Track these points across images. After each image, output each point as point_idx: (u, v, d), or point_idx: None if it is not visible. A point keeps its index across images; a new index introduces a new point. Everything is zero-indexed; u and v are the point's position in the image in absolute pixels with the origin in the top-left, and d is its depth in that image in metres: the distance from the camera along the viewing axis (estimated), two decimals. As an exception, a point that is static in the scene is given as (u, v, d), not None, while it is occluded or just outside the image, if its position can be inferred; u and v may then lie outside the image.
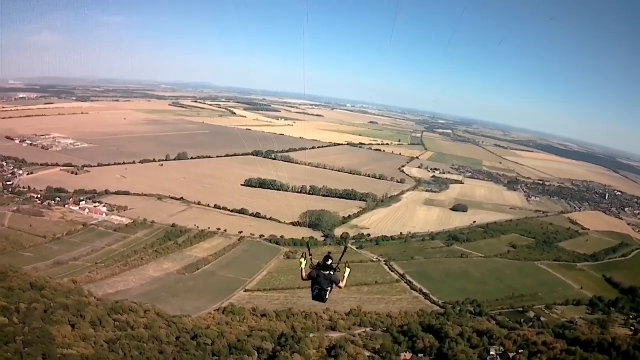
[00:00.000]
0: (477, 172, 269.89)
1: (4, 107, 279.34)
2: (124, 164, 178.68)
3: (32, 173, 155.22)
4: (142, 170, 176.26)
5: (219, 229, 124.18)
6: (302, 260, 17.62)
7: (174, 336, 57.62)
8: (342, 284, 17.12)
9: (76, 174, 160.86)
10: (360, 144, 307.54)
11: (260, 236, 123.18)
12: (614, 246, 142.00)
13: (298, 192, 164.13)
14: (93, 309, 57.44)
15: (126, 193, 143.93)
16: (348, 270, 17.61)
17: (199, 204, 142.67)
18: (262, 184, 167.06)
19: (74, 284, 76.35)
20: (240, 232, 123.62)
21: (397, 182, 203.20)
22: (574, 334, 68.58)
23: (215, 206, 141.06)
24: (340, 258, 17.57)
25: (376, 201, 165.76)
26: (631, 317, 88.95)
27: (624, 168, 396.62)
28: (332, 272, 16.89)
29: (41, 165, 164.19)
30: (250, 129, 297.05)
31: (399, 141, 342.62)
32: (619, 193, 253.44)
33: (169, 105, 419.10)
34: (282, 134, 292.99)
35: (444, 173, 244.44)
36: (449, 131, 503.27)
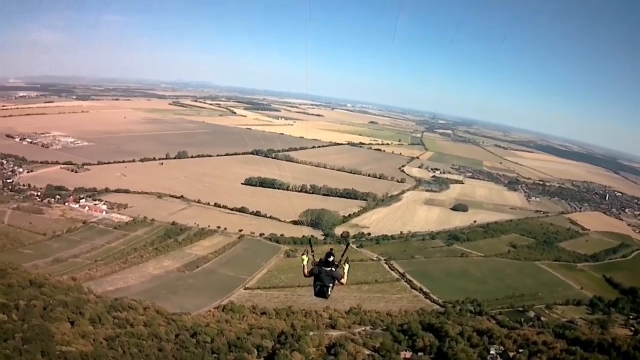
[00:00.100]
0: (477, 172, 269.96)
1: (4, 106, 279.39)
2: (123, 162, 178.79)
3: (32, 171, 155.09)
4: (142, 168, 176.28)
5: (218, 227, 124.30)
6: (304, 256, 17.63)
7: (173, 334, 57.64)
8: (343, 280, 17.23)
9: (76, 171, 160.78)
10: (361, 143, 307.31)
11: (260, 234, 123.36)
12: (614, 247, 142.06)
13: (298, 191, 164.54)
14: (92, 306, 57.47)
15: (126, 191, 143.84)
16: (347, 265, 17.60)
17: (198, 202, 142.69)
18: (262, 183, 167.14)
19: (73, 281, 76.43)
20: (240, 231, 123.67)
21: (397, 181, 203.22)
22: (574, 333, 68.50)
23: (215, 204, 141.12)
24: (342, 255, 17.59)
25: (376, 200, 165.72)
26: (631, 317, 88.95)
27: (624, 169, 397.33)
28: (333, 269, 16.92)
29: (41, 163, 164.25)
30: (250, 128, 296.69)
31: (399, 141, 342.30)
32: (619, 194, 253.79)
33: (169, 104, 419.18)
34: (282, 134, 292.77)
35: (444, 173, 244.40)
36: (449, 131, 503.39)
